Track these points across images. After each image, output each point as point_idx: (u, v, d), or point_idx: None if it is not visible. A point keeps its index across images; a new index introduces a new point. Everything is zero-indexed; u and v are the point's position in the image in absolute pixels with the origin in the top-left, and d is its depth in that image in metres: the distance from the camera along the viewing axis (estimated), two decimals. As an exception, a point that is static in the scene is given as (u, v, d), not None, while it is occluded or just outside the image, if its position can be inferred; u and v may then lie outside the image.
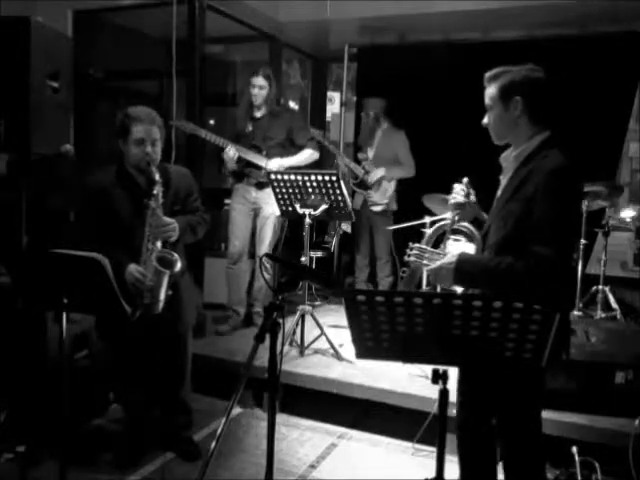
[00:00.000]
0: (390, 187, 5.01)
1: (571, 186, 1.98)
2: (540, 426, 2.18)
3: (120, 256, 2.65)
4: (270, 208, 4.21)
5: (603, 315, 4.47)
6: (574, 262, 4.49)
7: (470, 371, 2.15)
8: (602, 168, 4.97)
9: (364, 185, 5.04)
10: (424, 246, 2.30)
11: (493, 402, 2.18)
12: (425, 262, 2.24)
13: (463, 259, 2.04)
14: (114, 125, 2.81)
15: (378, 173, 4.97)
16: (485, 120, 2.16)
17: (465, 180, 2.29)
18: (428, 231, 2.51)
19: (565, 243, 1.97)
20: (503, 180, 2.18)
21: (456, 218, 2.28)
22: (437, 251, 2.25)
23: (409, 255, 2.29)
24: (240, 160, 4.21)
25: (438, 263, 2.12)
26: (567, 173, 1.97)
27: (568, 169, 1.97)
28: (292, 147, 4.39)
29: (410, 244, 2.31)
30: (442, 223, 2.42)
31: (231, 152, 4.13)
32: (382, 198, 5.00)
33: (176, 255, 2.72)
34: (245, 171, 4.31)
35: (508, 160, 2.15)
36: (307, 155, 4.38)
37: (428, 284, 4.12)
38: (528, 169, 2.02)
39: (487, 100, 2.13)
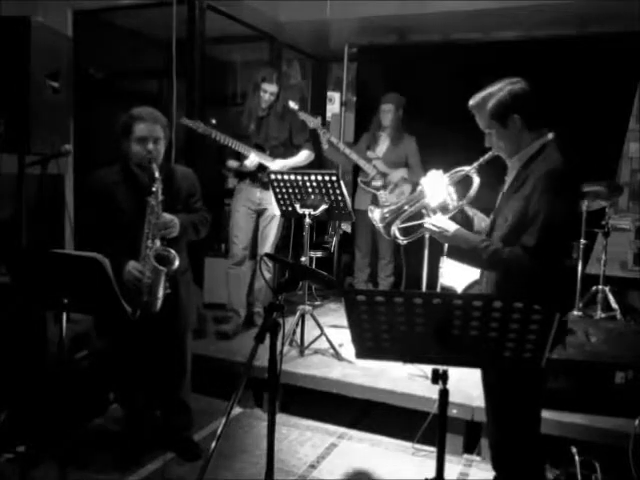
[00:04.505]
0: (407, 189, 4.97)
1: (565, 188, 2.06)
2: (539, 425, 2.18)
3: (120, 255, 2.65)
4: (274, 208, 4.21)
5: (603, 315, 4.47)
6: (573, 262, 4.49)
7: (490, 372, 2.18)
8: (602, 168, 4.97)
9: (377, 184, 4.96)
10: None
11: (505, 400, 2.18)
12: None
13: (460, 230, 2.16)
14: (115, 125, 2.81)
15: (399, 173, 4.93)
16: (487, 143, 2.22)
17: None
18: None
19: (553, 241, 2.03)
20: (508, 179, 2.26)
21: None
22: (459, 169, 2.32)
23: None
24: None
25: (440, 222, 2.20)
26: (562, 175, 2.04)
27: (563, 171, 2.05)
28: (291, 146, 4.40)
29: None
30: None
31: (255, 159, 4.15)
32: (398, 199, 4.95)
33: (173, 252, 2.71)
34: (258, 174, 4.31)
35: (512, 161, 2.22)
36: (305, 156, 4.39)
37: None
38: (529, 170, 2.11)
39: (483, 126, 2.20)
